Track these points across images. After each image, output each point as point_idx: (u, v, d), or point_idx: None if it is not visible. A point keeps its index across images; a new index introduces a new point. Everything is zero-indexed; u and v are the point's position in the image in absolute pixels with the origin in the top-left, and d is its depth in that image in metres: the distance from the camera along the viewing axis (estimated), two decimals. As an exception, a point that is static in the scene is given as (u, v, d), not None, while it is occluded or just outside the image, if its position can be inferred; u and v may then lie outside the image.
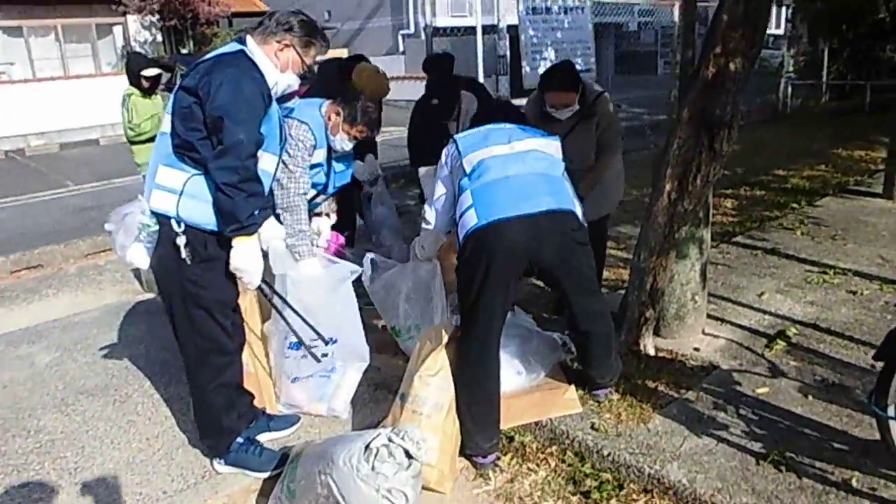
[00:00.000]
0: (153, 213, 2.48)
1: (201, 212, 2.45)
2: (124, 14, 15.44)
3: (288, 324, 2.84)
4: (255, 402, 2.94)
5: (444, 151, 2.95)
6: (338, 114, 3.30)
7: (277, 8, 2.80)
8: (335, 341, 2.95)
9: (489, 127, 2.92)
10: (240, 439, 2.75)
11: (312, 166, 3.32)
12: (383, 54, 19.46)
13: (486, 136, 2.84)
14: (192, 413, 3.16)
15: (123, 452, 3.00)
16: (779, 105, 12.57)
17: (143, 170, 5.64)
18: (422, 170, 4.39)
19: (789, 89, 12.87)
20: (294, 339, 2.89)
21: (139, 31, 16.05)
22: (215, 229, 2.48)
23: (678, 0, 11.90)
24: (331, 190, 3.60)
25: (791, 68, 13.21)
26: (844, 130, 10.44)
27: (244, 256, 2.47)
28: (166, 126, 2.52)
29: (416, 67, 17.21)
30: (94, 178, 10.27)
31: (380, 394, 3.30)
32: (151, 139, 5.43)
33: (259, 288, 2.68)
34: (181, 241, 2.45)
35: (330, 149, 3.38)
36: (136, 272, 5.46)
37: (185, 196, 2.44)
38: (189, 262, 2.47)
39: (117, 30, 16.03)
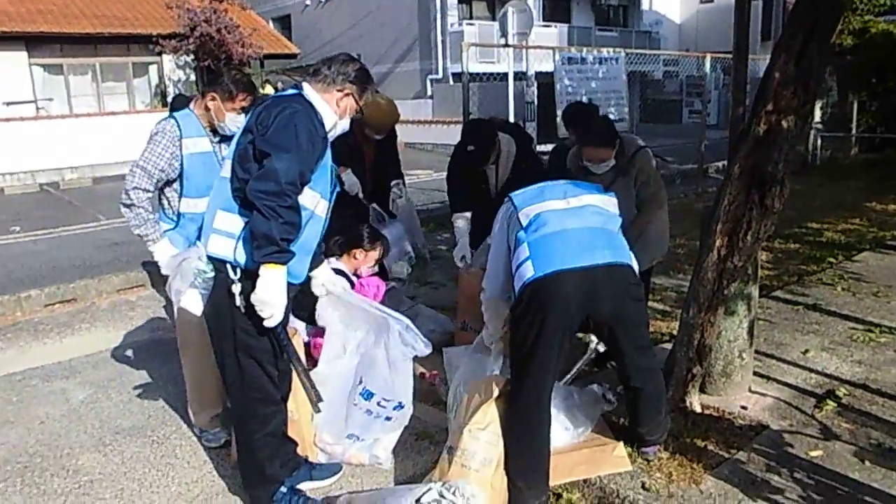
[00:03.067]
0: (210, 258, 2.48)
1: None
2: (160, 54, 15.86)
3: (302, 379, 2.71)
4: (298, 450, 2.90)
5: (500, 210, 3.00)
6: (213, 99, 3.14)
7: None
8: (402, 406, 2.91)
9: (545, 184, 2.97)
10: (283, 489, 2.70)
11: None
12: (411, 98, 19.78)
13: (541, 192, 2.89)
14: (230, 458, 3.16)
15: (162, 496, 2.96)
16: (808, 157, 12.52)
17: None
18: (459, 222, 4.35)
19: (818, 141, 12.83)
20: (369, 388, 2.83)
21: (174, 70, 16.46)
22: None
23: (708, 53, 12.03)
24: None
25: (819, 120, 13.20)
26: (876, 183, 10.38)
27: (270, 287, 2.33)
28: (226, 171, 2.54)
29: (444, 112, 17.63)
30: (126, 213, 10.39)
31: (421, 444, 3.25)
32: None
33: (275, 330, 2.49)
34: (236, 288, 2.43)
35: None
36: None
37: (243, 240, 2.44)
38: (243, 310, 2.46)
39: (153, 69, 16.47)
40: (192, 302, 2.55)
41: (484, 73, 14.52)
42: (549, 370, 2.64)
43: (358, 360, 2.96)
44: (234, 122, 3.12)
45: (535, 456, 2.66)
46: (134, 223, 3.15)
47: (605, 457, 2.91)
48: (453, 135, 14.31)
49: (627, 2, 25.08)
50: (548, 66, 9.37)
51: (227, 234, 2.47)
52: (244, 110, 3.12)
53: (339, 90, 2.61)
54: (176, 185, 3.22)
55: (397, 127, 4.64)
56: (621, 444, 2.98)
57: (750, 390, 3.58)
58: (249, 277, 2.41)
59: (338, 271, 3.83)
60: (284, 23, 24.37)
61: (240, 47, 16.13)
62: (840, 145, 13.58)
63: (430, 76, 19.94)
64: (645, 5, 26.32)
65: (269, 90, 16.37)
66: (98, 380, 4.25)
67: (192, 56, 16.13)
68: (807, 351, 4.13)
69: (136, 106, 16.13)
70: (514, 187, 4.21)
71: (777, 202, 3.07)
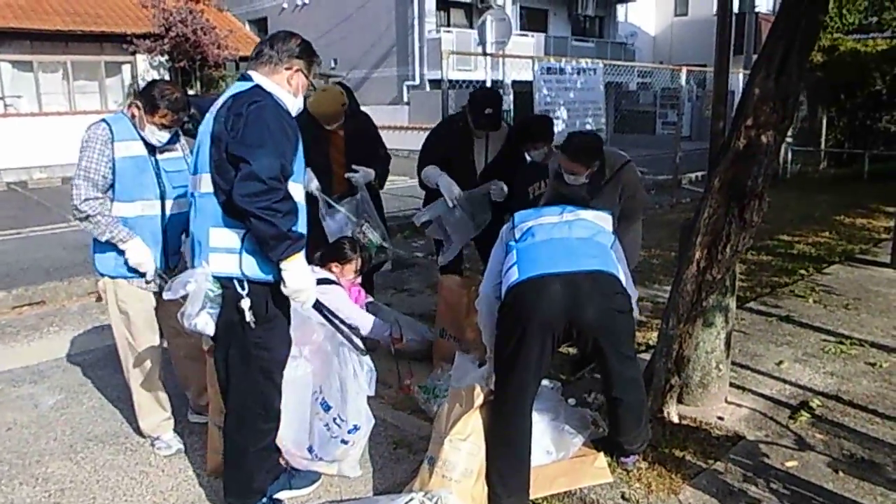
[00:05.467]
0: (215, 277, 2.43)
1: (264, 263, 2.41)
2: (134, 53, 15.63)
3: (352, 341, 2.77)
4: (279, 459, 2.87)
5: (504, 226, 3.03)
6: (138, 108, 3.05)
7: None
8: (358, 429, 2.89)
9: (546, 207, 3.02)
10: (263, 499, 2.66)
11: None
12: (388, 104, 19.79)
13: (540, 210, 2.96)
14: (206, 467, 3.10)
15: (136, 506, 2.91)
16: (779, 170, 12.75)
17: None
18: (430, 168, 4.41)
19: (789, 155, 13.08)
20: (327, 399, 2.81)
21: (147, 70, 16.20)
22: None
23: (683, 66, 12.19)
24: None
25: (790, 134, 13.46)
26: (845, 197, 10.60)
27: (297, 275, 2.36)
28: (206, 187, 2.44)
29: (420, 117, 17.62)
30: (97, 215, 10.20)
31: (400, 452, 3.22)
32: None
33: (315, 307, 2.63)
34: (245, 303, 2.39)
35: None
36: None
37: (246, 252, 2.39)
38: (253, 325, 2.42)
39: (126, 68, 16.21)
40: (205, 323, 2.46)
41: (461, 81, 14.56)
42: (530, 374, 2.65)
43: (312, 367, 2.92)
44: (154, 135, 3.05)
45: (515, 465, 2.66)
46: (97, 232, 3.04)
47: (586, 468, 2.92)
48: (430, 141, 14.36)
49: (603, 13, 25.37)
50: (525, 75, 9.41)
51: (227, 251, 2.41)
52: (165, 127, 3.06)
53: (287, 68, 2.53)
54: (110, 192, 3.09)
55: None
56: (602, 454, 3.00)
57: (726, 401, 3.62)
58: (258, 290, 2.41)
59: (327, 280, 3.83)
60: (261, 25, 24.23)
61: (215, 49, 15.95)
62: (809, 159, 13.86)
63: (406, 82, 19.96)
64: (620, 17, 26.65)
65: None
66: (68, 385, 4.16)
67: (166, 56, 15.91)
68: (781, 362, 4.19)
69: (109, 106, 15.84)
70: (495, 172, 4.36)
71: (756, 216, 3.12)
